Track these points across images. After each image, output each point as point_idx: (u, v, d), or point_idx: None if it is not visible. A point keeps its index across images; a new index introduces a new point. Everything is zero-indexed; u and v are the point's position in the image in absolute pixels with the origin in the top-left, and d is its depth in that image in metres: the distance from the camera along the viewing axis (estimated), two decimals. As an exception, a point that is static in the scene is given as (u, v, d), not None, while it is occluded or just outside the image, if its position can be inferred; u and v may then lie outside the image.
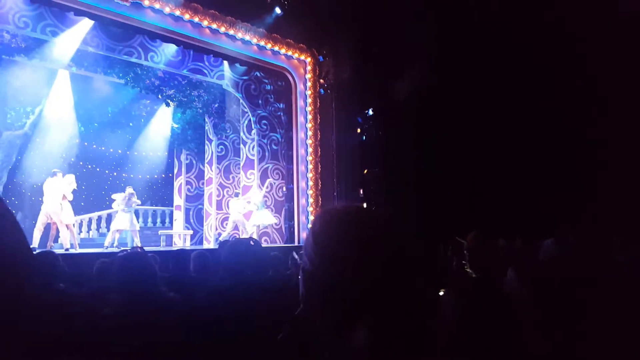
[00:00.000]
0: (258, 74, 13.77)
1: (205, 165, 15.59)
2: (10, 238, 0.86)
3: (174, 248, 12.27)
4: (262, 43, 12.63)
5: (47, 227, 9.81)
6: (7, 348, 0.87)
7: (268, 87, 14.09)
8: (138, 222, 12.31)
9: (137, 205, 11.83)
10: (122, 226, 11.28)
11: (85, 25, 10.47)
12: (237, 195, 13.44)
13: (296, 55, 13.56)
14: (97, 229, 15.06)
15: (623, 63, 10.28)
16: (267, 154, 13.91)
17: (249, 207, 12.83)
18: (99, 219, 15.18)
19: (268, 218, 12.75)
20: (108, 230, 12.11)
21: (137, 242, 11.28)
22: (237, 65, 13.10)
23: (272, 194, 13.70)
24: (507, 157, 12.10)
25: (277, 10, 12.58)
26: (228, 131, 14.90)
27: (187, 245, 14.41)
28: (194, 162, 16.25)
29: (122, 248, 9.84)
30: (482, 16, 11.59)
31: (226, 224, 14.42)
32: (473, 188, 12.38)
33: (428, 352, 0.96)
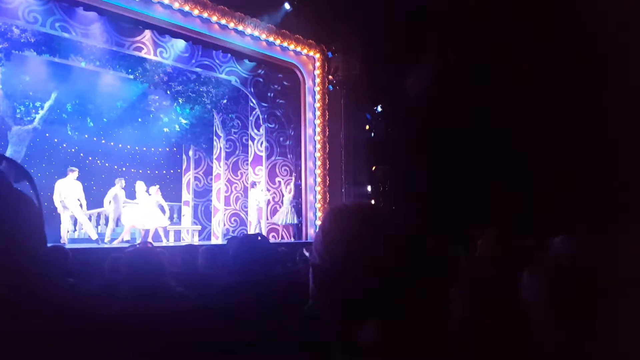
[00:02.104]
0: (267, 70, 13.72)
1: (214, 161, 15.61)
2: (40, 235, 0.85)
3: (183, 243, 12.33)
4: (271, 39, 12.62)
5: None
6: (17, 345, 0.86)
7: (277, 83, 14.05)
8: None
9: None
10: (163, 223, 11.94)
11: (94, 20, 10.50)
12: (254, 185, 13.45)
13: (305, 51, 13.53)
14: (106, 224, 15.11)
15: (626, 63, 10.17)
16: (275, 150, 13.90)
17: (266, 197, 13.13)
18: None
19: (284, 218, 13.06)
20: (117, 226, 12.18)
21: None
22: (246, 61, 13.07)
23: (280, 190, 13.72)
24: (516, 156, 12.02)
25: (287, 6, 12.58)
26: (236, 127, 14.91)
27: (196, 240, 14.46)
28: (203, 158, 16.30)
29: (131, 243, 9.91)
30: (487, 16, 11.52)
31: (234, 220, 14.47)
32: (481, 186, 12.31)
33: (438, 351, 0.95)
